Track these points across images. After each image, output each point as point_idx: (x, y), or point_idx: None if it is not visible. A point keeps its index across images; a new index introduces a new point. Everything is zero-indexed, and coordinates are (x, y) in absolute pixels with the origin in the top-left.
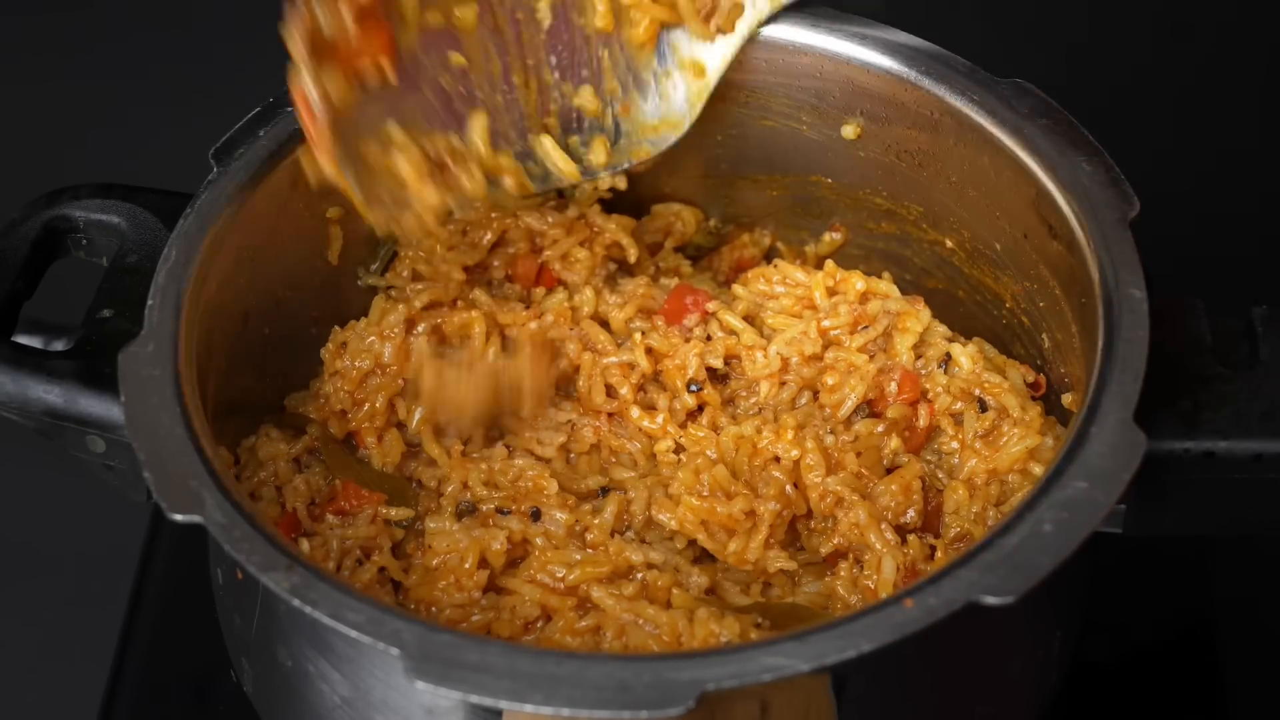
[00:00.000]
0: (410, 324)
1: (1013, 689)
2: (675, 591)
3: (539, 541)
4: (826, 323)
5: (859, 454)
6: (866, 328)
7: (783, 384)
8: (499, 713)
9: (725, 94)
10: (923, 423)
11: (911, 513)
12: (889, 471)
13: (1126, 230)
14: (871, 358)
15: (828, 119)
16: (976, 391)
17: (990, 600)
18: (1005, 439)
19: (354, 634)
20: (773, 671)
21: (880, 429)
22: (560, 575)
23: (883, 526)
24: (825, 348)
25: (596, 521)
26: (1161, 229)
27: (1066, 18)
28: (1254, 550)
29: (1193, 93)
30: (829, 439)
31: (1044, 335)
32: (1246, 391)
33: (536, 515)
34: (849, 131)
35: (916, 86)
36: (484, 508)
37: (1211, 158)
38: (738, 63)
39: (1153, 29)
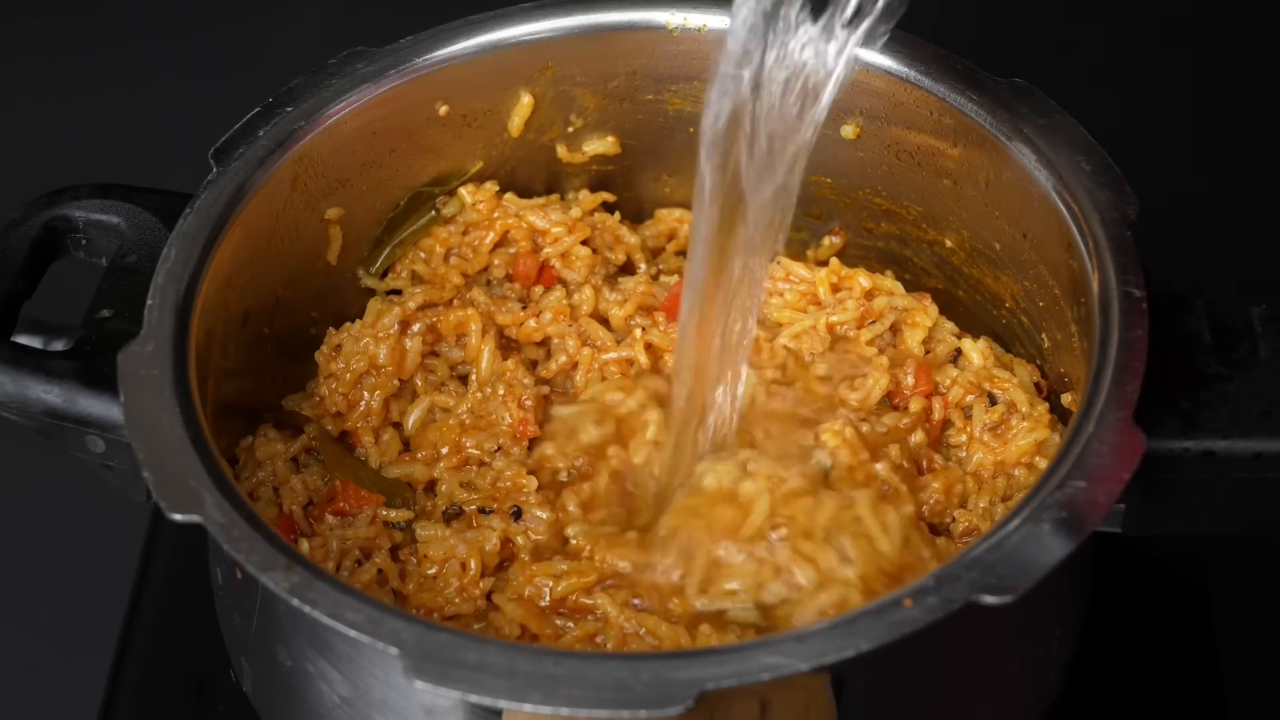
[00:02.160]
0: (405, 324)
1: (1013, 689)
2: (675, 600)
3: (520, 540)
4: (834, 318)
5: (897, 444)
6: (874, 323)
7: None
8: (498, 712)
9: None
10: (937, 415)
11: (955, 514)
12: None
13: (1126, 230)
14: (881, 352)
15: (828, 119)
16: (986, 386)
17: (990, 600)
18: (1014, 432)
19: (353, 633)
20: (772, 671)
21: (906, 422)
22: (548, 588)
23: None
24: (834, 343)
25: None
26: (1161, 229)
27: (1066, 18)
28: (1254, 550)
29: (1193, 92)
30: (864, 427)
31: (1044, 335)
32: (1246, 391)
33: (518, 514)
34: (849, 131)
35: (916, 86)
36: (468, 509)
37: (1212, 158)
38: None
39: (1153, 29)
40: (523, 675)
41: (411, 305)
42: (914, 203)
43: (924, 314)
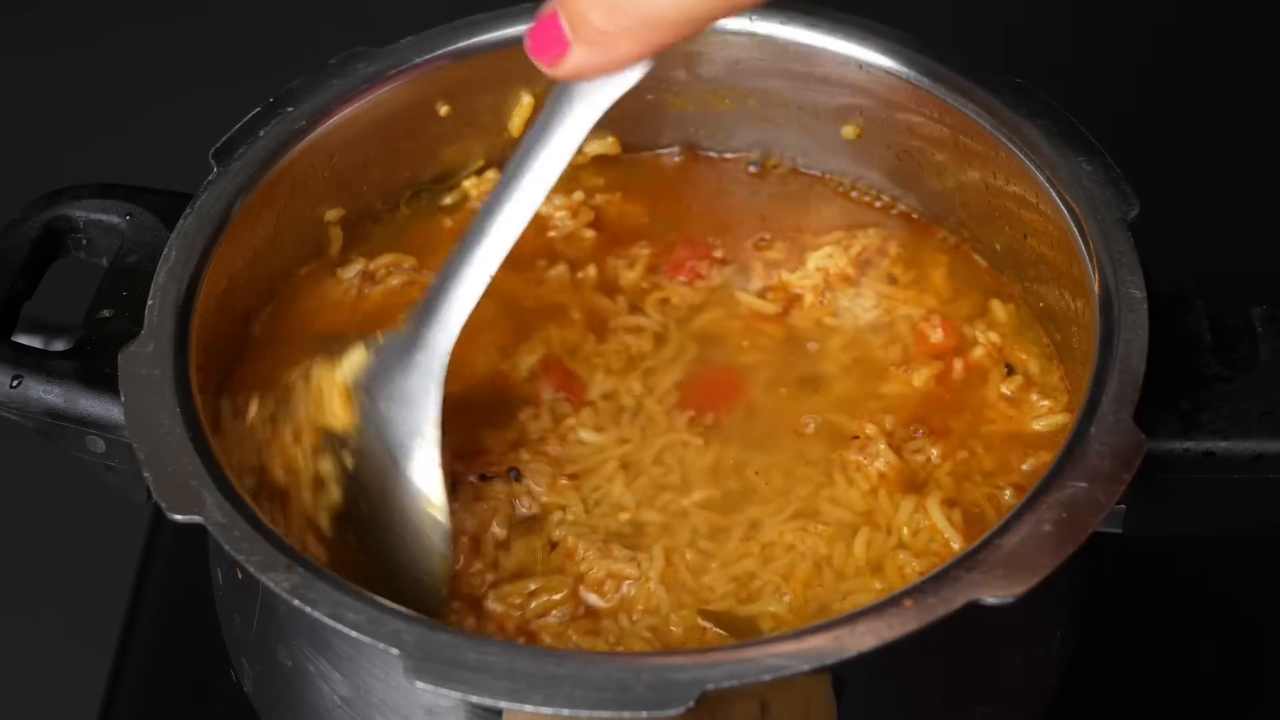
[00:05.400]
0: (370, 276)
1: (1013, 689)
2: (673, 615)
3: (524, 504)
4: (857, 246)
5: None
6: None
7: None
8: (499, 712)
9: (725, 94)
10: (958, 375)
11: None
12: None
13: (1126, 230)
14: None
15: (828, 119)
16: (1006, 353)
17: (990, 600)
18: (1030, 408)
19: (354, 634)
20: (773, 671)
21: (919, 383)
22: (517, 604)
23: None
24: (861, 271)
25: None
26: (1161, 229)
27: (1066, 18)
28: (1253, 550)
29: (1192, 92)
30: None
31: (1044, 335)
32: (1246, 391)
33: (517, 476)
34: (849, 132)
35: (916, 86)
36: (469, 478)
37: (1211, 158)
38: (736, 62)
39: (1153, 29)
40: (524, 676)
41: (377, 264)
42: (914, 203)
43: (943, 252)
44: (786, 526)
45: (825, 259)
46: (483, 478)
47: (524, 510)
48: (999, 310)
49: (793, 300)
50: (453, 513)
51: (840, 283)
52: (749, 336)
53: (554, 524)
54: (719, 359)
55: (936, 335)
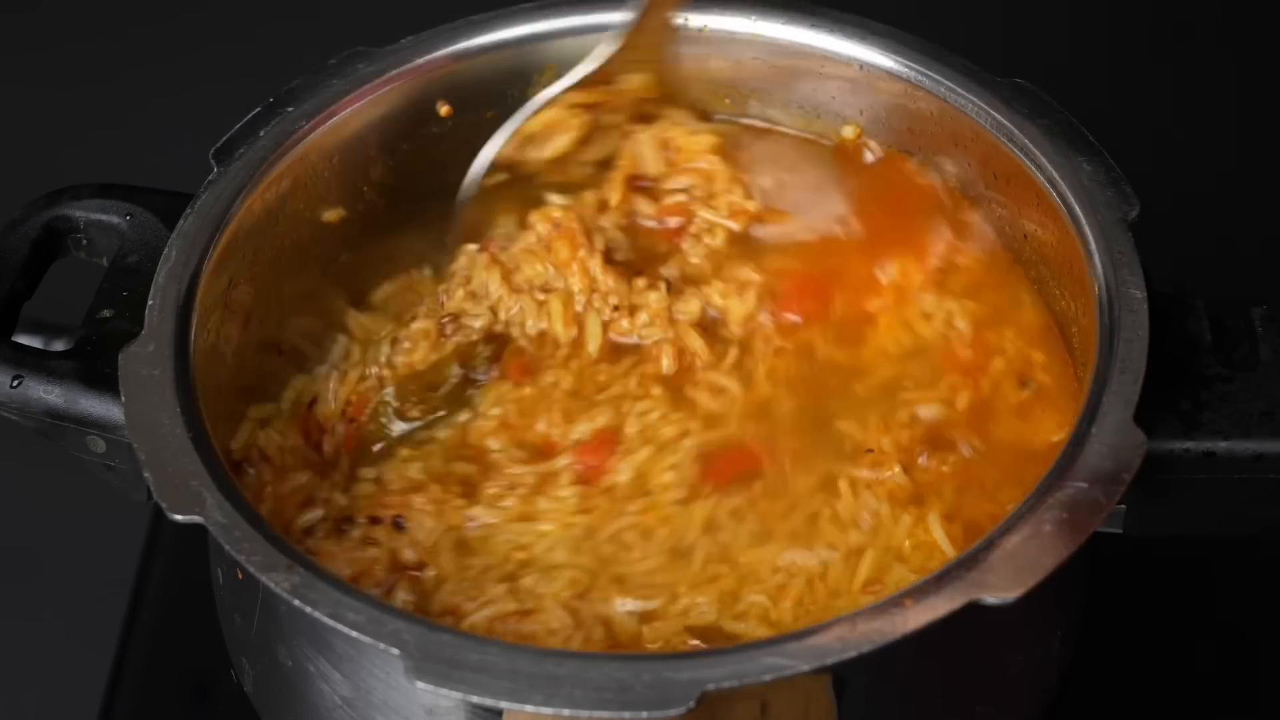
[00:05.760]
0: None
1: (1013, 689)
2: (645, 629)
3: (407, 554)
4: (932, 258)
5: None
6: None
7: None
8: (500, 712)
9: (725, 95)
10: (985, 390)
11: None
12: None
13: (1126, 230)
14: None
15: (828, 119)
16: (1020, 363)
17: (990, 600)
18: (1040, 421)
19: (354, 634)
20: (773, 671)
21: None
22: None
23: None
24: (930, 280)
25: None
26: (1161, 229)
27: (1066, 18)
28: (1254, 550)
29: (1193, 93)
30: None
31: (1062, 344)
32: (1246, 391)
33: (399, 525)
34: (849, 131)
35: (916, 86)
36: (357, 518)
37: (1211, 158)
38: (736, 63)
39: (1153, 29)
40: (524, 676)
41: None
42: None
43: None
44: (781, 543)
45: (896, 274)
46: (373, 520)
47: (408, 560)
48: (1029, 313)
49: (867, 322)
50: (331, 556)
51: (919, 291)
52: (815, 379)
53: (430, 583)
54: (760, 429)
55: (966, 353)
